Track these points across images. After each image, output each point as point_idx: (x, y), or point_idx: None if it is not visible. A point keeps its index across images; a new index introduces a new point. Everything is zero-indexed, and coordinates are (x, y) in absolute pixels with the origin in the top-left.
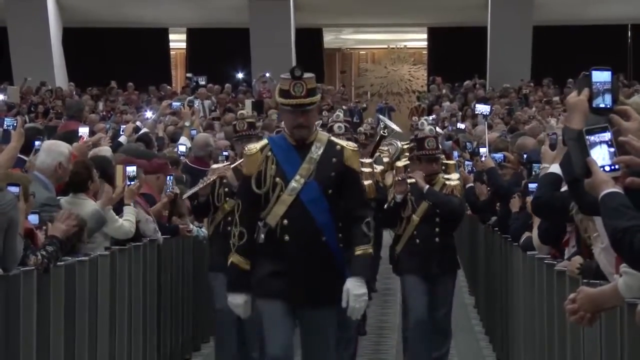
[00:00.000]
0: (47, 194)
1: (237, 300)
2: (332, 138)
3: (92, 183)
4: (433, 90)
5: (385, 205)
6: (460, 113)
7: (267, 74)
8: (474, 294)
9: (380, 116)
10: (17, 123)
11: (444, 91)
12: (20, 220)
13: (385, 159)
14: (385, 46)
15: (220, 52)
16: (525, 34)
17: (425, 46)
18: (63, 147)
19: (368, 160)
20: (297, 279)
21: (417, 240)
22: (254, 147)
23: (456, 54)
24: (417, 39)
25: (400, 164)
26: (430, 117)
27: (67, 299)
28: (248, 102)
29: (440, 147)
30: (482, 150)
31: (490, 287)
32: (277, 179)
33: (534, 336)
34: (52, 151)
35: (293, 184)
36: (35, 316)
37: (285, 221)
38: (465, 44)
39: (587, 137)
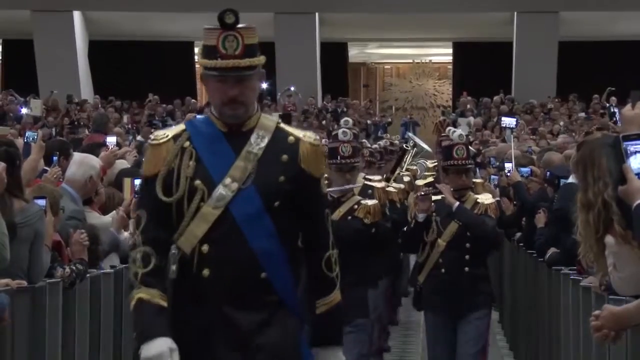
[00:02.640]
0: (74, 206)
1: (155, 350)
2: (283, 125)
3: (97, 196)
4: (462, 105)
5: (405, 227)
6: (484, 130)
7: (292, 88)
8: (498, 309)
9: (409, 134)
10: (37, 136)
11: (468, 106)
12: (48, 233)
13: (407, 178)
14: (410, 61)
15: None
16: (550, 50)
17: (450, 61)
18: (95, 161)
19: (376, 177)
20: (222, 337)
21: (443, 270)
22: (164, 133)
23: (481, 69)
24: (442, 54)
25: (420, 182)
26: (459, 128)
27: (92, 311)
28: (275, 115)
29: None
30: (507, 165)
31: (515, 302)
32: (197, 182)
33: (559, 352)
34: (83, 164)
35: (221, 190)
36: (61, 328)
37: (206, 247)
38: (490, 59)
39: (624, 143)
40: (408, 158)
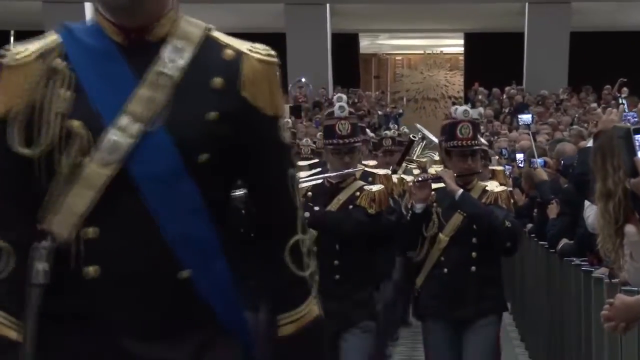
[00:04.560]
0: None
1: None
2: (217, 34)
3: None
4: (475, 95)
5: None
6: (495, 121)
7: (303, 79)
8: (510, 300)
9: (418, 125)
10: None
11: (479, 97)
12: None
13: (416, 171)
14: (422, 52)
15: None
16: (562, 40)
17: (462, 52)
18: None
19: (371, 163)
20: None
21: (445, 269)
22: (24, 48)
23: (493, 60)
24: (454, 45)
25: (434, 168)
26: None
27: None
28: (286, 107)
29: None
30: (519, 155)
31: (527, 294)
32: (75, 124)
33: (571, 344)
34: None
35: (113, 136)
36: None
37: (93, 230)
38: (501, 50)
39: (635, 136)
40: (418, 150)
